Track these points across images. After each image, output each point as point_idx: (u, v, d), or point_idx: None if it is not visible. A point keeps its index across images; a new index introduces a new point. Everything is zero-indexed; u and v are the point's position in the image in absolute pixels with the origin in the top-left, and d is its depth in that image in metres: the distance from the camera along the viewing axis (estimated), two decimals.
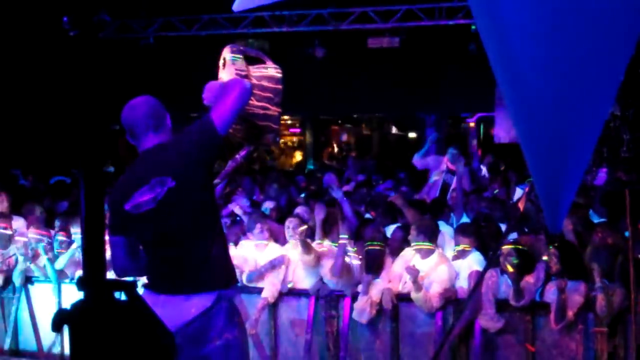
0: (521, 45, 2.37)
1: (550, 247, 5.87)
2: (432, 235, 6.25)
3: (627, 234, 6.33)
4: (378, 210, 7.90)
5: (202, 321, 3.34)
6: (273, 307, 6.49)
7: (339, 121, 23.49)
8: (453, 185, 9.11)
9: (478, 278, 5.77)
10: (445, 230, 7.11)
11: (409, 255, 6.29)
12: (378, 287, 6.24)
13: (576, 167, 2.59)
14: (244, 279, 6.51)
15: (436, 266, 6.15)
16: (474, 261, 6.20)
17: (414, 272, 5.92)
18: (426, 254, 6.18)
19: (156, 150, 3.43)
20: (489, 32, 2.47)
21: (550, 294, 5.75)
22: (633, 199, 5.48)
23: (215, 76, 3.72)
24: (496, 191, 9.16)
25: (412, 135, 22.00)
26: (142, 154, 3.48)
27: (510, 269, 5.76)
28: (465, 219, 7.57)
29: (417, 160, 10.11)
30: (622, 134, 9.60)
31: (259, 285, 6.54)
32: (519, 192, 8.69)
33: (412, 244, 6.26)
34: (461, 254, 6.30)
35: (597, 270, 5.61)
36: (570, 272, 5.74)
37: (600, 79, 2.41)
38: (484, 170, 10.68)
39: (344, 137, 24.60)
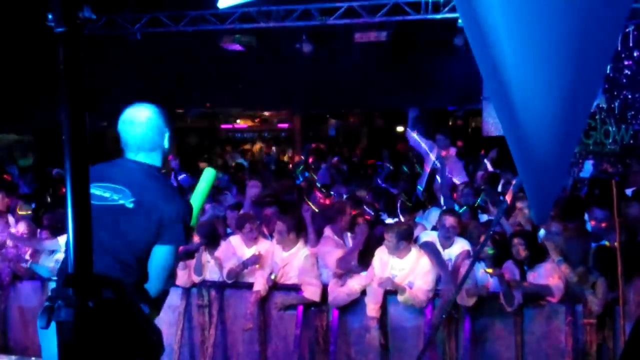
0: (507, 40, 2.38)
1: (514, 238, 6.07)
2: (410, 237, 6.27)
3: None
4: (381, 202, 8.10)
5: None
6: (263, 302, 6.48)
7: (327, 115, 23.48)
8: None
9: (468, 262, 5.81)
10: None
11: (386, 257, 6.28)
12: (359, 281, 6.27)
13: (561, 160, 2.61)
14: (224, 274, 6.52)
15: (417, 260, 6.17)
16: (464, 243, 6.31)
17: (388, 283, 6.03)
18: (404, 253, 6.19)
19: (138, 170, 3.21)
20: (473, 27, 2.48)
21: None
22: (619, 190, 5.54)
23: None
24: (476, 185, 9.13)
25: (399, 129, 22.02)
26: (122, 160, 3.27)
27: (489, 270, 5.85)
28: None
29: (409, 134, 10.28)
30: (608, 126, 9.65)
31: (247, 280, 6.56)
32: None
33: (393, 251, 6.22)
34: (447, 240, 6.34)
35: (553, 249, 5.84)
36: (535, 257, 5.96)
37: (586, 73, 2.43)
38: (488, 165, 10.66)
39: (332, 132, 24.61)
